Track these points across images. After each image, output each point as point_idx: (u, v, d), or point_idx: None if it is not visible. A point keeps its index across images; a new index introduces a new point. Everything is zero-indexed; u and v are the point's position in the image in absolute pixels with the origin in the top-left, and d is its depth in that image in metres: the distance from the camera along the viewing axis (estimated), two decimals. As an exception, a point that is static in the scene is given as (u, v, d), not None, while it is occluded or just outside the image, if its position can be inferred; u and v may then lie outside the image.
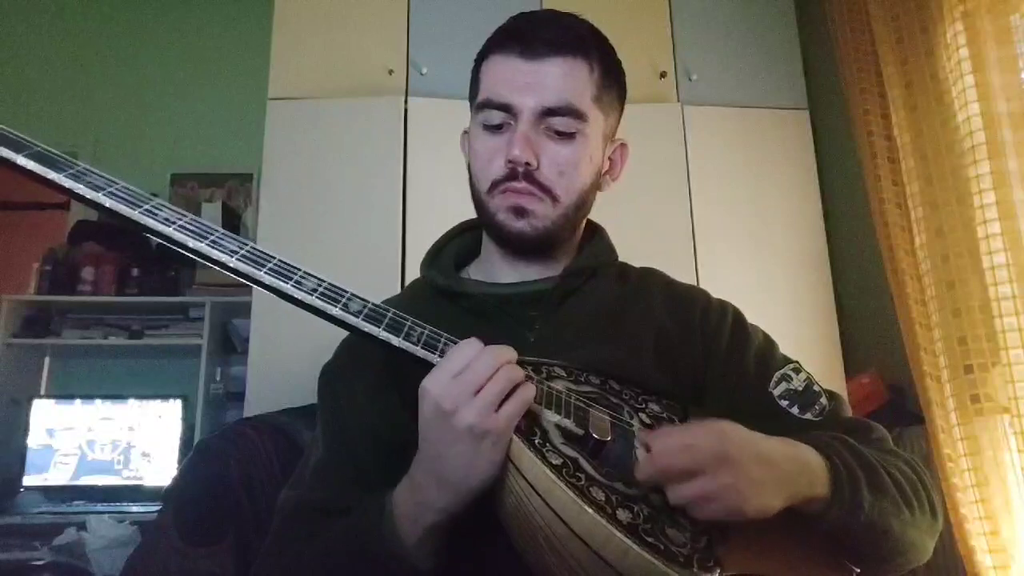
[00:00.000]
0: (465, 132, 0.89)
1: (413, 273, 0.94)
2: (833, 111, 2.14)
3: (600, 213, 0.92)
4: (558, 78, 0.78)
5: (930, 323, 1.60)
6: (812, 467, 0.65)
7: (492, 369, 0.60)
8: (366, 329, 0.63)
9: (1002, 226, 1.43)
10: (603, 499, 0.58)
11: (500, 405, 0.60)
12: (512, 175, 0.79)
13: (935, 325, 1.58)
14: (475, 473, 0.60)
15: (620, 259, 0.94)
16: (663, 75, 2.16)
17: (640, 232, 1.90)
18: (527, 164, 0.78)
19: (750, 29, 2.25)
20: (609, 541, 0.55)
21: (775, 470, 0.62)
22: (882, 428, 0.79)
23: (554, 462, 0.59)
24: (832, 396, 0.81)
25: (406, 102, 2.02)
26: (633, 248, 0.99)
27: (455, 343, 0.66)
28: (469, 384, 0.59)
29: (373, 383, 0.79)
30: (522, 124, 0.78)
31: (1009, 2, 1.46)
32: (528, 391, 0.62)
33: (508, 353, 0.62)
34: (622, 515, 0.57)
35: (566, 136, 0.80)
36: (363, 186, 1.96)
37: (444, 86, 2.01)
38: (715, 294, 0.92)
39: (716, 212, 2.07)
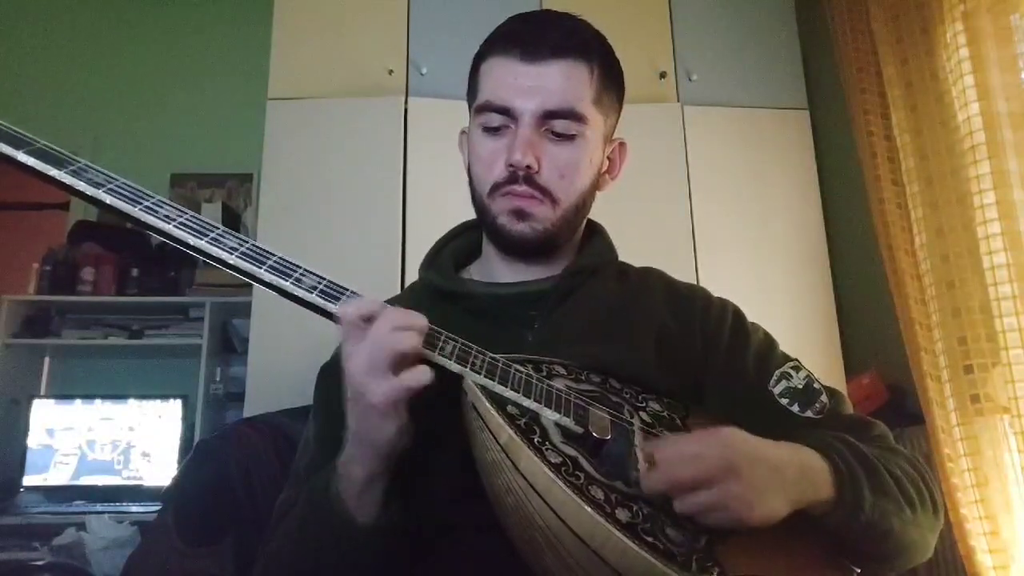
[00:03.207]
0: (463, 132, 0.89)
1: (413, 273, 0.94)
2: (833, 111, 2.14)
3: (600, 213, 0.92)
4: (559, 81, 0.78)
5: (930, 323, 1.60)
6: (815, 471, 0.65)
7: (377, 338, 0.60)
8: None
9: (1002, 226, 1.43)
10: (602, 498, 0.58)
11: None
12: (513, 178, 0.79)
13: (935, 325, 1.58)
14: (372, 434, 0.62)
15: (620, 259, 0.94)
16: (663, 75, 2.15)
17: (640, 232, 1.90)
18: (528, 168, 0.78)
19: (750, 29, 2.25)
20: (608, 540, 0.55)
21: (780, 477, 0.62)
22: (883, 425, 0.79)
23: (553, 460, 0.59)
24: (832, 393, 0.81)
25: (406, 102, 2.02)
26: (633, 248, 0.98)
27: (456, 341, 0.66)
28: (361, 352, 0.60)
29: None
30: (523, 127, 0.78)
31: (1009, 2, 1.46)
32: (412, 375, 0.60)
33: (397, 319, 0.61)
34: (621, 514, 0.57)
35: (566, 138, 0.80)
36: (363, 186, 1.96)
37: (444, 86, 2.00)
38: (715, 294, 0.91)
39: (716, 212, 2.07)
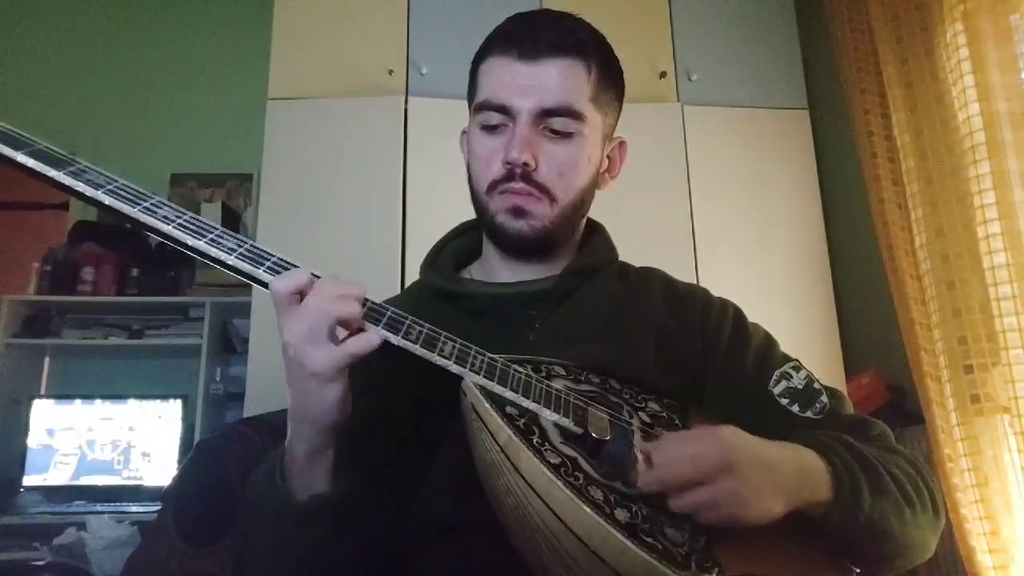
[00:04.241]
0: (464, 132, 0.89)
1: (413, 273, 0.94)
2: (833, 111, 2.14)
3: (600, 213, 0.92)
4: (556, 80, 0.79)
5: (930, 323, 1.60)
6: (814, 471, 0.65)
7: (317, 307, 0.60)
8: (365, 327, 0.63)
9: (1002, 226, 1.43)
10: (601, 498, 0.58)
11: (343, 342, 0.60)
12: (510, 176, 0.79)
13: (935, 325, 1.58)
14: (311, 405, 0.62)
15: (620, 259, 0.94)
16: (663, 75, 2.16)
17: (640, 232, 1.90)
18: (525, 165, 0.78)
19: (750, 29, 2.25)
20: (607, 540, 0.55)
21: (777, 476, 0.62)
22: (882, 424, 0.79)
23: (552, 461, 0.59)
24: (832, 393, 0.81)
25: (406, 102, 2.03)
26: (633, 248, 0.98)
27: (455, 341, 0.66)
28: (298, 322, 0.60)
29: (366, 381, 0.79)
30: (520, 125, 0.78)
31: (1009, 2, 1.46)
32: (357, 342, 0.60)
33: (335, 289, 0.61)
34: (620, 515, 0.57)
35: (564, 136, 0.80)
36: (363, 186, 1.96)
37: (444, 86, 2.01)
38: (715, 294, 0.91)
39: (716, 212, 2.07)
